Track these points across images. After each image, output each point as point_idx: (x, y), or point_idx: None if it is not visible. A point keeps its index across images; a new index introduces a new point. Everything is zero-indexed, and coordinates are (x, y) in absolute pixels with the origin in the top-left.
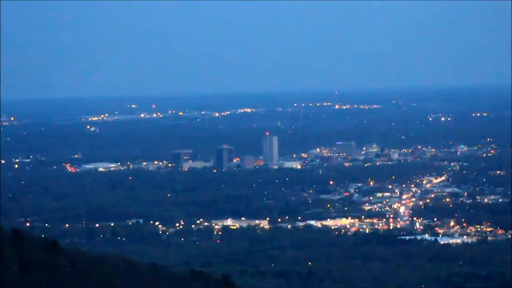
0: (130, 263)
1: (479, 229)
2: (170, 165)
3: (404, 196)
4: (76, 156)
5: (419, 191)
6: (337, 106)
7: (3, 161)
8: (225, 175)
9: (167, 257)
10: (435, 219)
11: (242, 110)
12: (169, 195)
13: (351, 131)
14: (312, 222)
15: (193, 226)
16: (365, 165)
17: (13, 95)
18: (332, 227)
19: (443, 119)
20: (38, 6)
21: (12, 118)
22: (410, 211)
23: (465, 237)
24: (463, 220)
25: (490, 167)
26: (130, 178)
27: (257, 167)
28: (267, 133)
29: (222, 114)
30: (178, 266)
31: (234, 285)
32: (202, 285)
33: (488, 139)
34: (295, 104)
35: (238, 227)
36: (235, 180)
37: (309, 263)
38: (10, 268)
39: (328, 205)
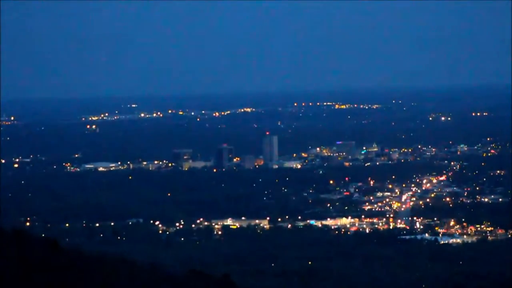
0: (130, 263)
1: (479, 228)
2: (170, 164)
3: (404, 196)
4: (76, 155)
5: (419, 191)
6: (337, 106)
7: (3, 161)
8: (225, 175)
9: (167, 257)
10: (435, 219)
11: (242, 110)
12: (169, 194)
13: (351, 131)
14: (312, 222)
15: (193, 225)
16: (365, 165)
17: (13, 95)
18: (332, 227)
19: (443, 119)
20: (38, 6)
21: (12, 118)
22: (410, 211)
23: (465, 236)
24: (463, 219)
25: (490, 167)
26: (130, 177)
27: (257, 166)
28: (267, 133)
29: (222, 114)
30: (178, 266)
31: (234, 285)
32: (202, 285)
33: (488, 139)
34: (295, 104)
35: (238, 226)
36: (235, 179)
37: (309, 263)
38: (10, 268)
39: (328, 205)
